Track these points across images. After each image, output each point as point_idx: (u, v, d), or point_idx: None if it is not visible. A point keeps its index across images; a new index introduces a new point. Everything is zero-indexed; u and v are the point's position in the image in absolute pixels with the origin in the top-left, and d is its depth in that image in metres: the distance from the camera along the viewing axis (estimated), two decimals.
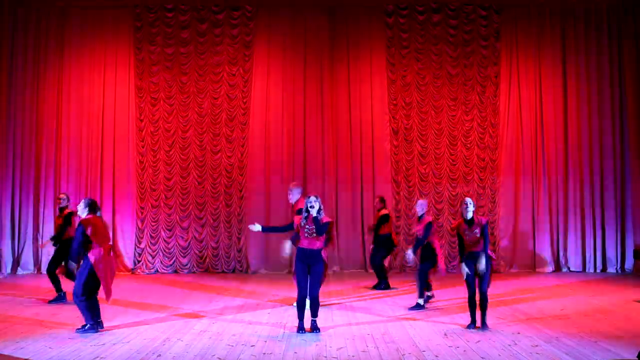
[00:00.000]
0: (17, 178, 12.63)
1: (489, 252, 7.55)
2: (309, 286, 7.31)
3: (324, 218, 7.30)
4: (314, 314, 7.41)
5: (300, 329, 7.36)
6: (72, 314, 8.33)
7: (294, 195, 8.77)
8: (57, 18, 12.83)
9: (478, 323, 7.51)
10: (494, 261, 12.41)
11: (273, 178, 12.82)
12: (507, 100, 13.01)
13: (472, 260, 7.43)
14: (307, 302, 7.44)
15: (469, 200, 7.55)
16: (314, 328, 7.38)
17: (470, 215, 7.44)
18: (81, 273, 7.27)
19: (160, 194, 12.78)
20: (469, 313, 7.58)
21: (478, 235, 7.37)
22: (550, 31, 13.03)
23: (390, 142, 12.97)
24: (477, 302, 7.48)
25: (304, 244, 7.27)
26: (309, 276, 7.33)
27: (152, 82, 12.87)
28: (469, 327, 7.50)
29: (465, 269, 7.43)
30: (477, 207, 12.84)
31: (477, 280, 7.49)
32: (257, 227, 7.55)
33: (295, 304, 7.90)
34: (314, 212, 7.19)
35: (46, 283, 11.23)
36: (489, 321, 7.53)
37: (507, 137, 13.00)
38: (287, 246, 7.63)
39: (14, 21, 12.76)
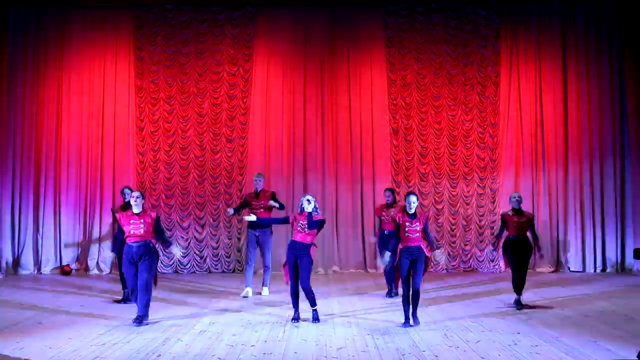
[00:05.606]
0: (17, 178, 12.60)
1: (426, 250, 7.65)
2: (300, 279, 7.76)
3: (317, 216, 7.78)
4: (313, 303, 7.80)
5: (295, 319, 7.79)
6: (71, 314, 8.33)
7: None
8: (57, 17, 12.81)
9: (412, 321, 7.59)
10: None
11: (273, 178, 12.79)
12: (507, 100, 13.00)
13: (408, 256, 7.55)
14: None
15: (414, 197, 7.69)
16: (315, 318, 7.77)
17: (412, 210, 7.63)
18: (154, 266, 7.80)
19: (160, 194, 12.78)
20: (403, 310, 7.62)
21: (419, 228, 7.58)
22: (550, 31, 13.01)
23: (390, 142, 12.96)
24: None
25: (297, 237, 7.76)
26: (298, 269, 7.80)
27: (152, 82, 12.87)
28: (404, 325, 7.53)
29: (386, 259, 7.64)
30: (477, 207, 12.95)
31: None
32: (252, 217, 8.41)
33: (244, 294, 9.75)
34: (308, 209, 7.67)
35: (46, 283, 11.28)
36: (490, 321, 7.50)
37: (507, 137, 12.99)
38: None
39: (14, 21, 12.74)
